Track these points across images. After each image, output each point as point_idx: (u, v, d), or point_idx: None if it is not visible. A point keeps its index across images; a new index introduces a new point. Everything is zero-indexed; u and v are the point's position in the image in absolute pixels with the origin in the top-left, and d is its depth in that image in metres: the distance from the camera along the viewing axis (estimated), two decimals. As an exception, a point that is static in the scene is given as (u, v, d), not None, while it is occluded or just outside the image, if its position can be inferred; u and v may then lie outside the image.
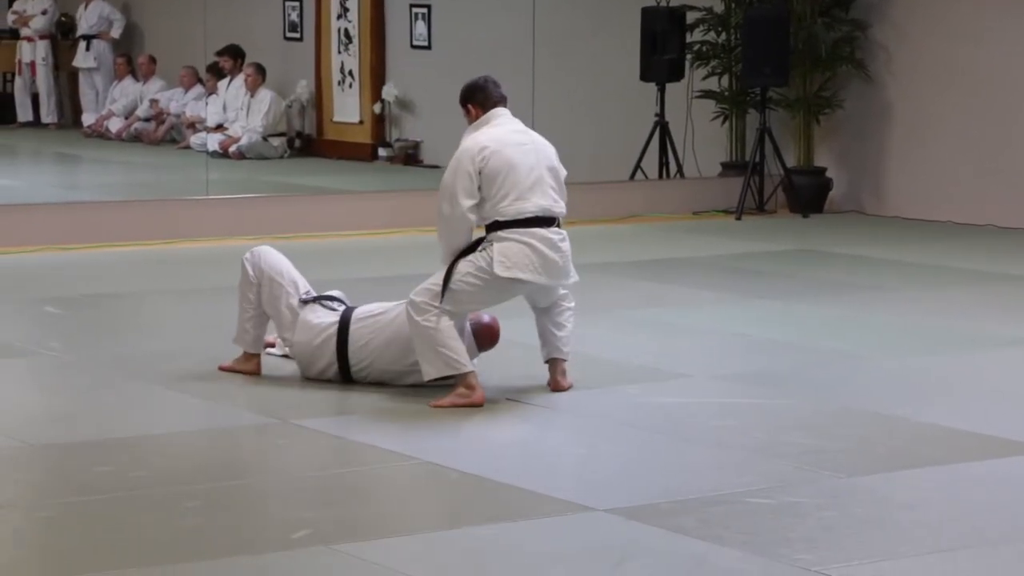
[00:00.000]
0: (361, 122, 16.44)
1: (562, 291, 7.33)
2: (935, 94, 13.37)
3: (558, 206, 7.19)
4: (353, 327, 7.31)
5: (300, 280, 7.49)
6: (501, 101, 7.30)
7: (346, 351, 7.28)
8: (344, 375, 7.32)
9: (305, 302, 7.40)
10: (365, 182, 14.94)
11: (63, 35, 18.17)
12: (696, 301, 9.67)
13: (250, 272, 7.47)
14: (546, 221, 7.12)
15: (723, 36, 14.17)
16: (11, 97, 18.18)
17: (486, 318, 7.46)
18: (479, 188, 7.10)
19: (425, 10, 16.00)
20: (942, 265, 11.10)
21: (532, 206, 7.09)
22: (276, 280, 7.43)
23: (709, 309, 9.41)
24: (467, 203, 7.07)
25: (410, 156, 16.01)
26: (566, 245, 7.18)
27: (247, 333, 7.48)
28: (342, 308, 7.43)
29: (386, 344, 7.27)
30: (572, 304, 7.37)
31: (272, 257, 7.50)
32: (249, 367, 7.50)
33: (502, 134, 7.18)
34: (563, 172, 7.32)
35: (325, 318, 7.37)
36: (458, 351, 7.02)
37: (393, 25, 16.32)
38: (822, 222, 13.34)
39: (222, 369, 7.52)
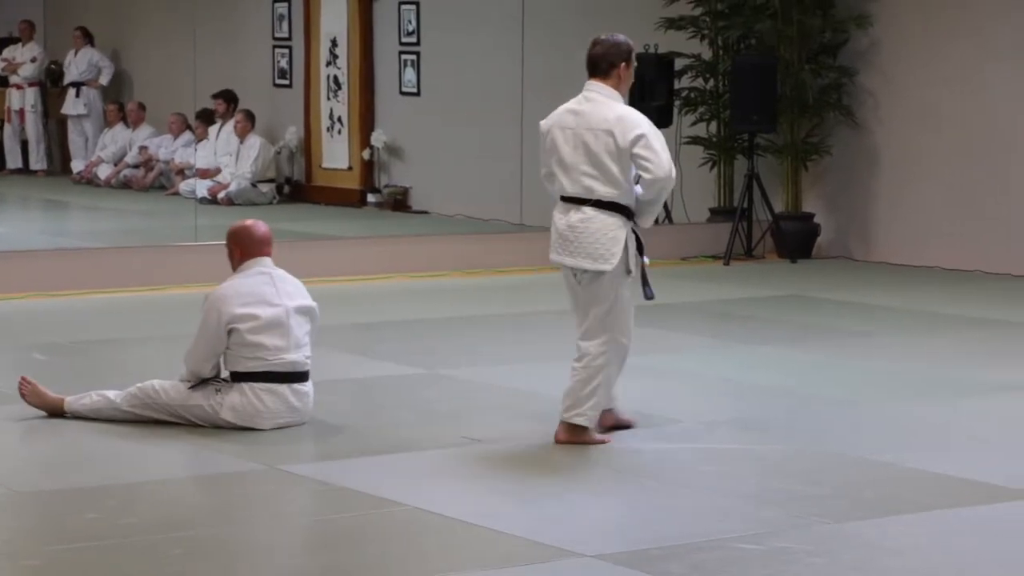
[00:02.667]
0: (350, 168, 16.46)
1: (589, 340, 7.15)
2: (922, 140, 13.41)
3: (589, 193, 7.08)
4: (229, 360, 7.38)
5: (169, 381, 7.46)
6: (594, 73, 7.23)
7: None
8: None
9: (194, 387, 7.38)
10: (354, 228, 14.96)
11: (52, 82, 18.20)
12: (685, 346, 9.67)
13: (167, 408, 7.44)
14: (579, 200, 7.10)
15: (711, 82, 14.22)
16: (0, 144, 18.19)
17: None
18: None
19: (414, 57, 16.05)
20: (930, 311, 11.11)
21: (561, 190, 7.17)
22: (180, 403, 7.38)
23: (698, 354, 9.42)
24: (543, 170, 7.31)
25: (399, 202, 16.03)
26: (585, 226, 7.06)
27: None
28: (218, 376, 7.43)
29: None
30: (584, 361, 7.14)
31: (164, 387, 7.44)
32: None
33: (561, 113, 7.25)
34: (624, 144, 7.05)
35: (218, 388, 7.37)
36: (596, 406, 7.13)
37: (382, 72, 16.37)
38: (810, 267, 13.36)
39: None
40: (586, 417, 7.10)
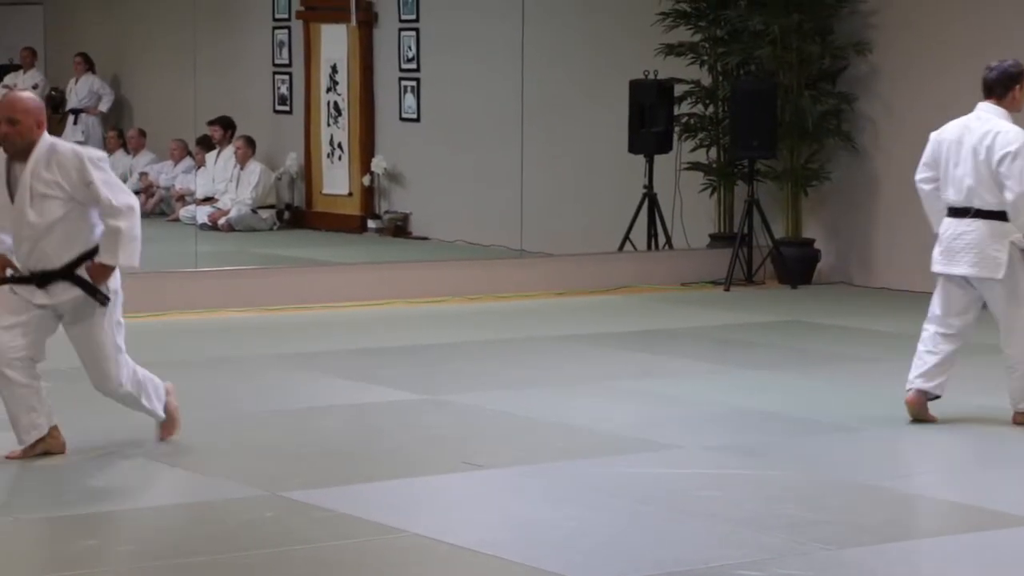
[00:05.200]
0: (350, 194, 16.48)
1: (1011, 345, 7.89)
2: (922, 166, 13.40)
3: (970, 202, 7.77)
4: None
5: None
6: (989, 95, 7.93)
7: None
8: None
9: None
10: (354, 254, 14.96)
11: (53, 109, 18.22)
12: (685, 372, 9.66)
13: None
14: (961, 211, 7.82)
15: (711, 108, 14.24)
16: (1, 171, 18.19)
17: None
18: None
19: (414, 83, 16.07)
20: (931, 336, 11.08)
21: (945, 199, 7.91)
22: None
23: (698, 380, 9.41)
24: (918, 175, 8.05)
25: (399, 228, 16.04)
26: (971, 236, 7.78)
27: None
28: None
29: None
30: (1011, 362, 7.93)
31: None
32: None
33: (951, 127, 7.95)
34: (1005, 154, 7.69)
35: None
36: None
37: (382, 98, 16.39)
38: (810, 293, 13.36)
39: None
40: None
